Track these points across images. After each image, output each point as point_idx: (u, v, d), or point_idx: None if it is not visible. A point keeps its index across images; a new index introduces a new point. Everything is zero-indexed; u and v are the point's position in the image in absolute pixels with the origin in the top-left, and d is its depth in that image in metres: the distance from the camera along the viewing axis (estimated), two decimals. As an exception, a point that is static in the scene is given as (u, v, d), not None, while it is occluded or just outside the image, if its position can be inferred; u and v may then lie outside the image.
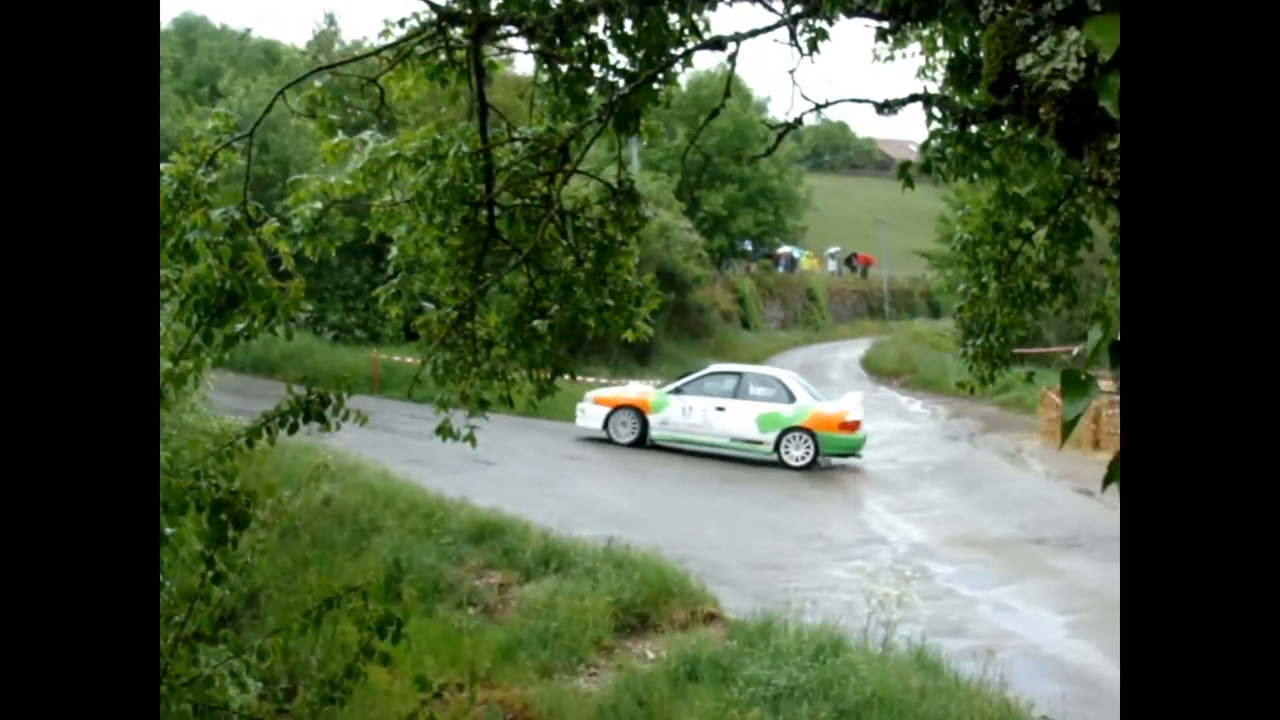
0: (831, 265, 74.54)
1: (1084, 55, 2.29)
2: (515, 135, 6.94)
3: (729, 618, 13.08)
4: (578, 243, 7.15)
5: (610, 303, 7.23)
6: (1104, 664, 12.48)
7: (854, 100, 7.14)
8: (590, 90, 6.92)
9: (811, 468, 24.84)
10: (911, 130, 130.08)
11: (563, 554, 14.41)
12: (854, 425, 25.11)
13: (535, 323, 7.09)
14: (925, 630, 12.51)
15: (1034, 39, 2.41)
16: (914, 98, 6.88)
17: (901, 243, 67.93)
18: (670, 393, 26.14)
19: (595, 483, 21.61)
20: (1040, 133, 2.41)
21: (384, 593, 10.77)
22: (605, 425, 26.00)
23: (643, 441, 25.74)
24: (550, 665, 11.80)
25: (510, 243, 7.03)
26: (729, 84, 7.50)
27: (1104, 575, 16.25)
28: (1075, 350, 35.85)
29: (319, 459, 13.98)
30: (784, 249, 64.81)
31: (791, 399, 25.25)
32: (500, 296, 7.32)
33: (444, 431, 7.10)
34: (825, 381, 41.79)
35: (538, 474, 21.35)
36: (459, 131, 6.63)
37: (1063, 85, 2.32)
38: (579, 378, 24.30)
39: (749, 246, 60.47)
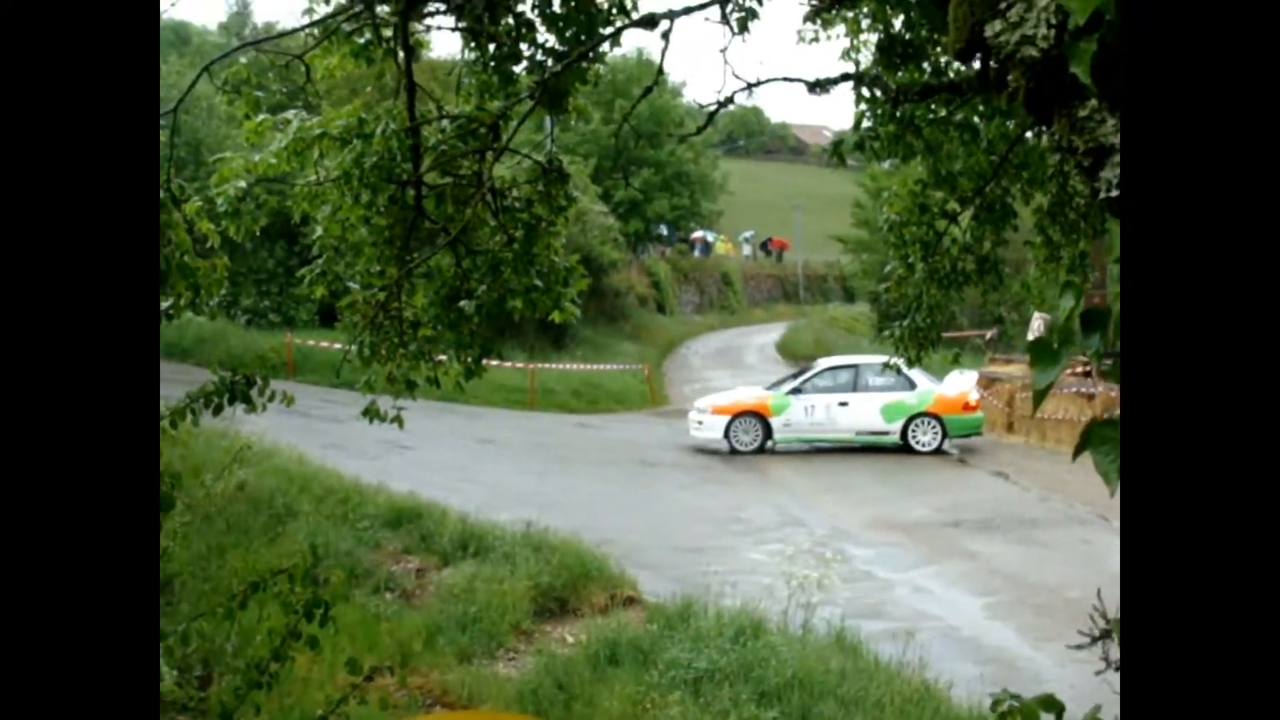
0: (746, 250, 74.64)
1: (1054, 21, 2.27)
2: (444, 114, 6.85)
3: (649, 601, 13.08)
4: (506, 223, 7.08)
5: (538, 283, 7.18)
6: (1020, 645, 12.64)
7: (786, 79, 7.12)
8: (519, 69, 6.86)
9: (939, 452, 25.07)
10: (826, 115, 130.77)
11: (481, 538, 14.33)
12: (975, 405, 25.43)
13: (463, 303, 7.02)
14: (844, 612, 12.59)
15: (1003, 4, 2.38)
16: (846, 77, 6.88)
17: (816, 227, 68.24)
18: (789, 393, 25.85)
19: (513, 468, 21.55)
20: (1009, 100, 2.38)
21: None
22: (726, 434, 25.40)
23: (763, 447, 25.43)
24: (469, 650, 11.72)
25: (437, 223, 6.95)
26: (663, 59, 7.46)
27: (1019, 557, 16.47)
28: (989, 334, 36.27)
29: (233, 444, 13.80)
30: (699, 233, 64.78)
31: (912, 386, 25.01)
32: (427, 278, 7.23)
33: (371, 413, 7.03)
34: (741, 366, 42.04)
35: (455, 459, 21.26)
36: (386, 110, 6.54)
37: (1032, 52, 2.30)
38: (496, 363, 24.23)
39: (665, 231, 60.44)
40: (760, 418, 25.51)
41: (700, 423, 25.67)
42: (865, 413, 25.33)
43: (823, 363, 27.79)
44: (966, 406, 25.19)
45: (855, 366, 26.33)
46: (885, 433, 25.28)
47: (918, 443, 25.10)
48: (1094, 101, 2.20)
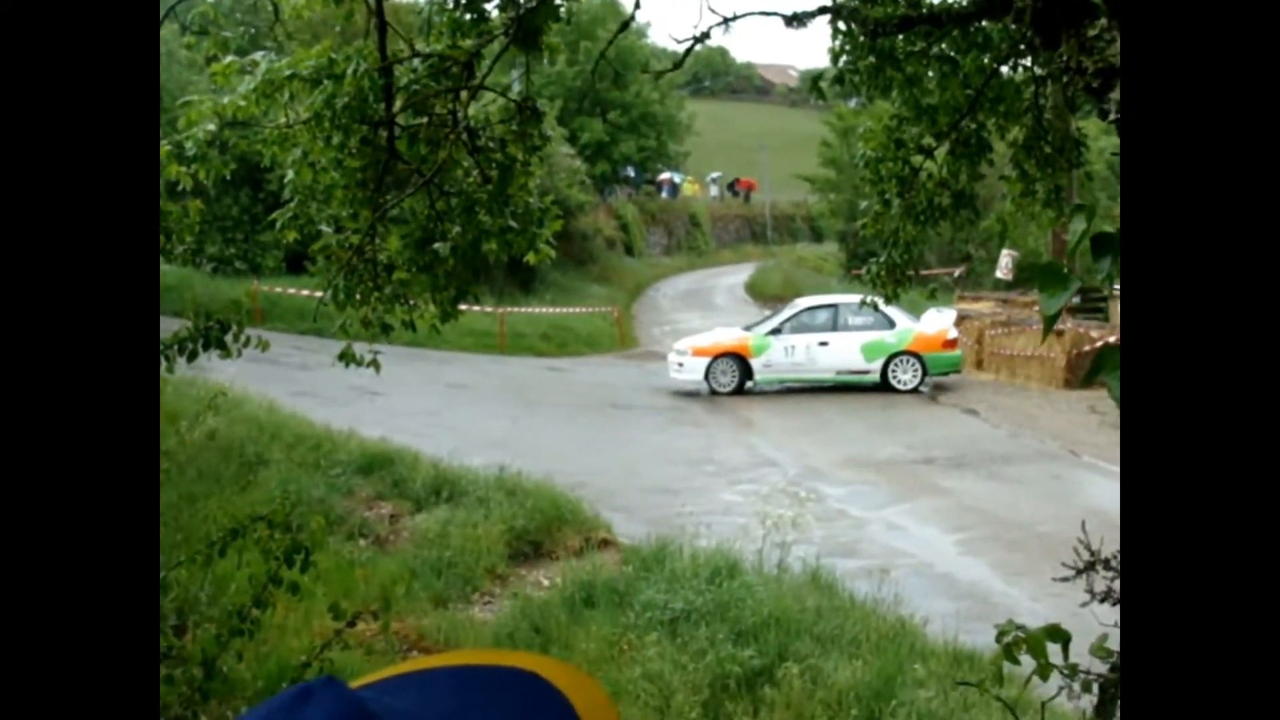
0: (714, 191, 74.52)
1: (1064, -58, 2.21)
2: (416, 53, 6.74)
3: (623, 543, 13.11)
4: (480, 163, 6.99)
5: (513, 224, 7.11)
6: (994, 580, 12.70)
7: (762, 14, 7.04)
8: (490, 6, 6.75)
9: (918, 390, 25.19)
10: (791, 55, 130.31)
11: (454, 483, 14.32)
12: (954, 343, 25.49)
13: (437, 245, 6.93)
14: (819, 551, 12.63)
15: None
16: (823, 10, 6.80)
17: (783, 167, 68.05)
18: (769, 334, 25.91)
19: (484, 412, 21.53)
20: (1015, 20, 2.33)
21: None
22: (707, 376, 25.57)
23: (741, 388, 25.64)
24: (445, 595, 11.73)
25: (411, 164, 6.85)
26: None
27: (990, 493, 16.56)
28: (957, 271, 36.33)
29: (202, 392, 13.71)
30: (666, 175, 64.57)
31: (891, 325, 25.06)
32: (401, 221, 7.15)
33: (347, 357, 6.96)
34: (711, 307, 42.03)
35: (426, 404, 21.19)
36: (357, 50, 6.42)
37: (1042, -27, 2.25)
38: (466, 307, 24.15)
39: (631, 173, 60.21)
40: (740, 359, 25.65)
41: (681, 365, 25.78)
42: (845, 352, 25.39)
43: (801, 302, 27.81)
44: (946, 344, 25.28)
45: (835, 306, 26.29)
46: (866, 372, 25.35)
47: (898, 381, 25.18)
48: (1104, 21, 2.15)
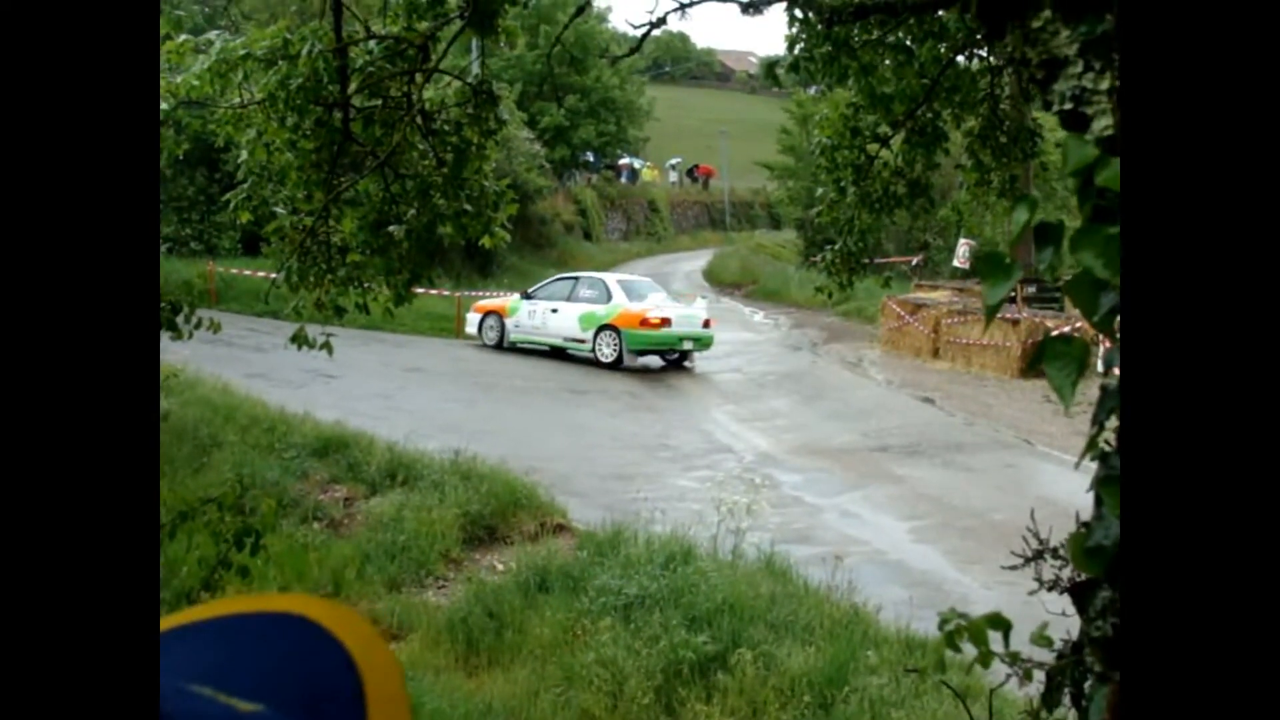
0: (673, 176, 74.48)
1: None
2: (371, 35, 6.71)
3: (578, 528, 13.12)
4: (435, 146, 6.97)
5: (468, 208, 7.09)
6: (947, 567, 12.78)
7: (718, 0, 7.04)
8: (447, -12, 6.72)
9: (618, 365, 25.74)
10: (752, 41, 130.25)
11: (409, 467, 14.30)
12: (656, 323, 25.77)
13: (391, 228, 6.91)
14: (773, 538, 12.67)
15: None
16: (780, -3, 6.80)
17: (742, 154, 68.17)
18: (523, 298, 27.41)
19: (440, 396, 21.46)
20: (962, 11, 2.34)
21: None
22: (479, 329, 27.66)
23: (500, 343, 27.36)
24: (399, 579, 11.74)
25: (365, 146, 6.82)
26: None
27: (945, 481, 16.63)
28: (915, 260, 36.45)
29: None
30: (625, 160, 64.48)
31: (609, 299, 26.19)
32: (355, 203, 7.11)
33: (300, 340, 6.93)
34: (669, 293, 41.98)
35: (382, 387, 21.10)
36: (312, 30, 6.37)
37: (987, -38, 2.26)
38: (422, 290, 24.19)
39: (591, 158, 60.08)
40: (500, 318, 27.67)
41: (468, 319, 28.45)
42: (568, 320, 26.63)
43: (561, 275, 29.80)
44: (645, 323, 25.75)
45: (576, 278, 28.13)
46: (581, 340, 26.43)
47: (600, 354, 26.12)
48: (1048, 12, 2.16)
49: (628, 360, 25.85)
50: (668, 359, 26.76)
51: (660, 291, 27.70)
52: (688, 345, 26.41)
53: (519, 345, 27.29)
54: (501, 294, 30.33)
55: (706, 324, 26.71)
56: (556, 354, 26.59)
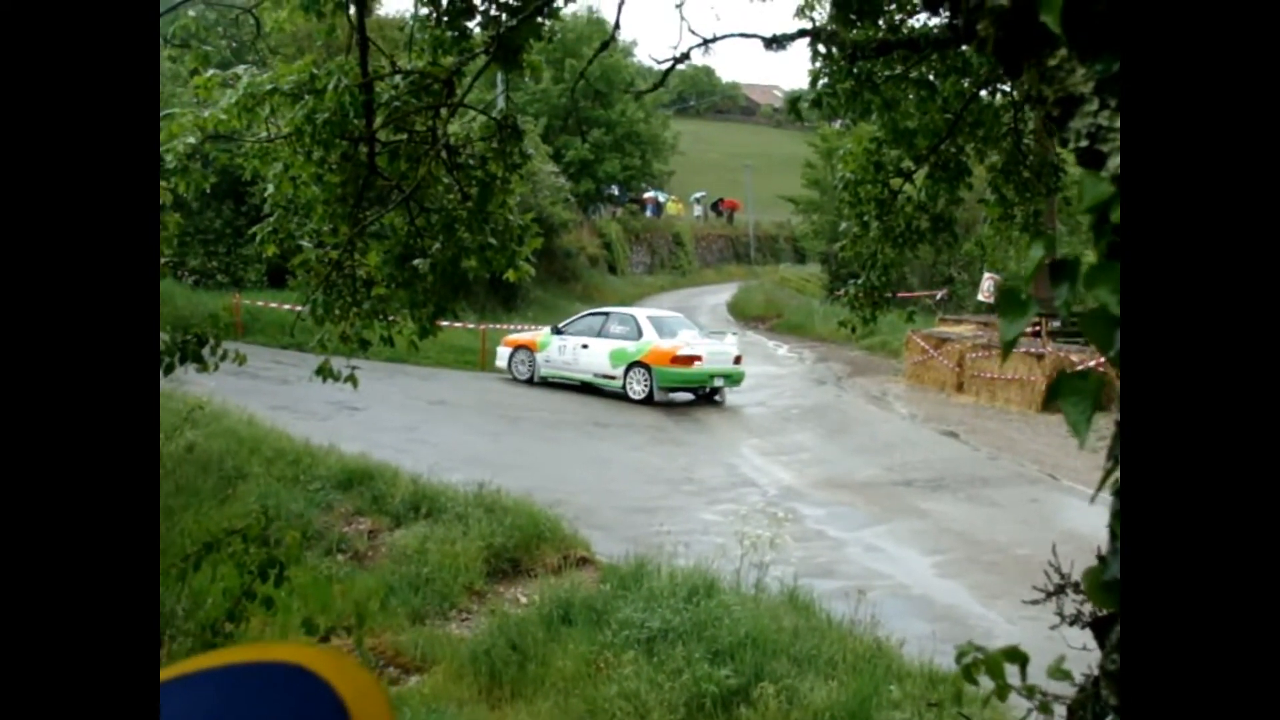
0: (697, 210, 74.53)
1: (1025, -32, 2.24)
2: (397, 70, 6.76)
3: (602, 561, 13.10)
4: (460, 180, 7.01)
5: (493, 241, 7.13)
6: (971, 602, 12.72)
7: (742, 35, 7.06)
8: (472, 25, 6.77)
9: (649, 401, 25.68)
10: (777, 75, 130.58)
11: (433, 499, 14.31)
12: (688, 360, 25.78)
13: (416, 262, 6.95)
14: (797, 571, 12.62)
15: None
16: (803, 33, 6.82)
17: (767, 188, 68.20)
18: (554, 332, 27.44)
19: (464, 428, 21.49)
20: (978, 49, 2.36)
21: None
22: (509, 364, 27.67)
23: (532, 378, 27.41)
24: (422, 611, 11.73)
25: (391, 180, 6.87)
26: (620, 11, 7.41)
27: (969, 515, 16.57)
28: (939, 294, 36.40)
29: (181, 405, 13.67)
30: (650, 194, 64.57)
31: (639, 336, 26.22)
32: (380, 237, 7.16)
33: (325, 372, 6.96)
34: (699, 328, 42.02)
35: (407, 420, 21.14)
36: (338, 65, 6.43)
37: (1002, 1, 2.28)
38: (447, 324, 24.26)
39: (615, 191, 60.18)
40: (531, 353, 27.66)
41: (499, 353, 28.39)
42: (599, 356, 26.65)
43: (591, 310, 29.86)
44: (676, 360, 25.75)
45: (606, 314, 28.19)
46: (612, 376, 26.42)
47: (631, 390, 26.10)
48: (1064, 51, 2.18)
49: (659, 396, 25.82)
50: (698, 394, 26.66)
51: (691, 328, 27.63)
52: (719, 382, 26.35)
53: (550, 380, 27.24)
54: (526, 327, 30.51)
55: (738, 360, 26.68)
56: (585, 387, 26.61)
